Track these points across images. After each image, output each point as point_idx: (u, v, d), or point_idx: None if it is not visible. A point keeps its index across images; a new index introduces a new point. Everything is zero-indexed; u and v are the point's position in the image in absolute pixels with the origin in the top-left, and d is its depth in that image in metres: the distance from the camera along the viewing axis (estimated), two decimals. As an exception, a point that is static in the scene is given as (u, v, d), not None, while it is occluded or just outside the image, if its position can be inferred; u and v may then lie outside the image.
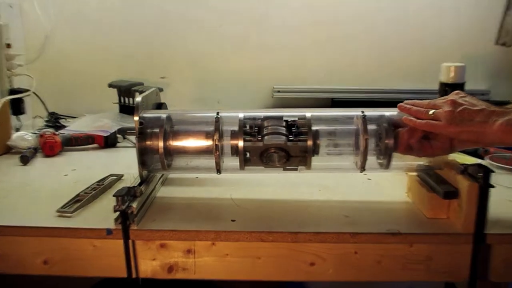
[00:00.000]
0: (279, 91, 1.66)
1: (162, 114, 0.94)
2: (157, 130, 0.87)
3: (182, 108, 1.01)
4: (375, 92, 1.65)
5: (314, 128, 0.84)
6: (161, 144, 0.86)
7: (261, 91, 1.70)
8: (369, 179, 1.02)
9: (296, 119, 0.86)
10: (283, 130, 0.84)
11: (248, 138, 0.83)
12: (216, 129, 0.84)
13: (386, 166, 0.84)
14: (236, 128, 0.85)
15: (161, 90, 1.44)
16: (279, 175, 1.00)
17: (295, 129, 0.84)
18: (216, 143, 0.84)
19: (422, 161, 0.88)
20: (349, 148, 0.84)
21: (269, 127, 0.84)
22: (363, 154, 0.82)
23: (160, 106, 0.99)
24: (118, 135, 1.35)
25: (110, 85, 1.61)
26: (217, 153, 0.84)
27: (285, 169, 0.85)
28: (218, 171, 0.86)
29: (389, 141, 0.82)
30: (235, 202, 0.90)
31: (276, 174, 0.99)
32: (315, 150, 0.83)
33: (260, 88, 1.69)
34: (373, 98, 1.64)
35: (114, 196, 0.78)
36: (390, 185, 0.98)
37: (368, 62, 1.66)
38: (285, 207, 0.88)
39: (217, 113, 0.86)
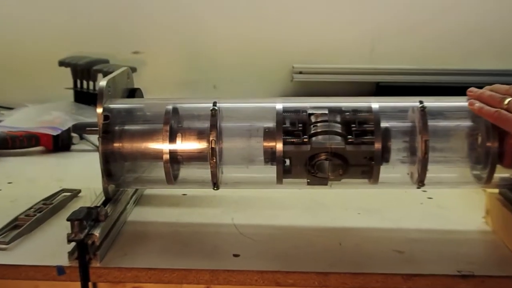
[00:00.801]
0: (301, 72, 1.67)
1: (136, 104, 0.94)
2: (129, 127, 0.87)
3: (163, 97, 1.01)
4: (438, 73, 1.65)
5: (383, 124, 0.84)
6: (134, 146, 0.86)
7: (275, 72, 1.70)
8: (430, 198, 1.02)
9: (356, 111, 0.86)
10: (339, 127, 0.85)
11: (289, 138, 0.84)
12: (212, 125, 0.85)
13: (487, 180, 0.84)
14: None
15: (134, 70, 1.46)
16: (300, 192, 1.00)
17: (356, 126, 0.84)
18: (213, 145, 0.84)
19: (507, 173, 0.87)
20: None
21: (319, 124, 0.85)
22: (421, 162, 0.82)
23: (133, 93, 1.00)
24: (73, 134, 1.36)
25: (62, 63, 1.63)
26: (214, 160, 0.84)
27: (312, 183, 0.86)
28: (215, 185, 0.86)
29: (492, 145, 0.82)
30: (239, 229, 0.90)
31: (296, 191, 1.00)
32: (385, 157, 0.84)
33: (274, 68, 1.70)
34: (435, 82, 1.64)
35: (68, 220, 0.78)
36: (459, 207, 0.98)
37: (430, 33, 1.66)
38: (310, 237, 0.88)
39: (214, 104, 0.87)
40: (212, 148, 0.84)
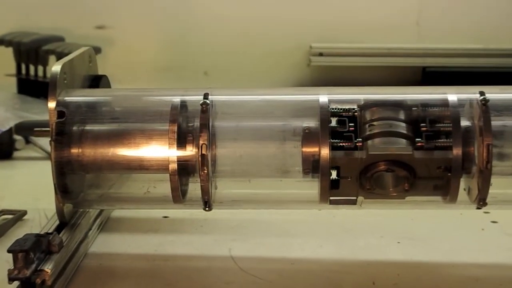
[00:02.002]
0: (321, 54, 1.67)
1: (101, 97, 0.94)
2: (91, 127, 0.88)
3: (138, 87, 1.01)
4: (504, 54, 1.65)
5: (464, 123, 0.84)
6: (98, 153, 0.86)
7: (286, 55, 1.70)
8: (494, 222, 1.02)
9: (425, 106, 0.86)
10: (403, 127, 0.85)
11: (338, 142, 0.84)
12: (202, 125, 0.85)
13: None
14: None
15: (98, 51, 1.46)
16: (319, 214, 1.00)
17: (426, 125, 0.84)
18: (203, 151, 0.84)
19: None
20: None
21: (376, 123, 0.85)
22: (483, 174, 0.82)
23: (97, 81, 1.00)
24: (16, 137, 1.36)
25: (1, 42, 1.63)
26: (205, 171, 0.84)
27: (334, 203, 0.86)
28: (207, 204, 0.87)
29: None
30: (238, 264, 0.91)
31: (313, 212, 1.00)
32: (466, 167, 0.83)
33: (286, 49, 1.70)
34: (501, 67, 1.64)
35: (9, 252, 0.78)
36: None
37: (491, 4, 1.66)
38: (333, 275, 0.88)
39: (205, 96, 0.87)
40: (203, 156, 0.84)
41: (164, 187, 0.87)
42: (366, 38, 1.68)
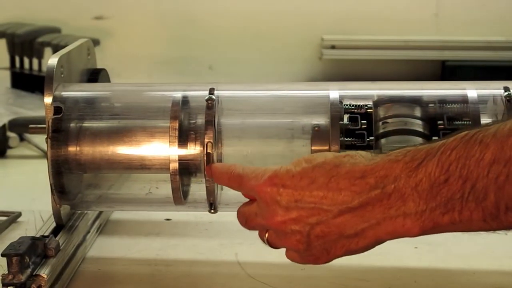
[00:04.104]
0: (333, 47, 1.67)
1: (100, 92, 0.94)
2: (89, 124, 0.88)
3: (138, 81, 1.01)
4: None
5: (485, 121, 0.83)
6: (97, 151, 0.87)
7: (297, 47, 1.70)
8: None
9: (443, 102, 0.85)
10: (419, 124, 0.85)
11: (349, 141, 0.84)
12: (207, 123, 0.85)
13: None
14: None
15: (96, 43, 1.46)
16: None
17: (444, 123, 0.84)
18: (209, 150, 0.84)
19: None
20: None
21: (390, 120, 0.85)
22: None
23: (95, 75, 1.00)
24: (10, 134, 1.37)
25: (-6, 34, 1.63)
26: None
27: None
28: (212, 206, 0.87)
29: None
30: (245, 270, 0.91)
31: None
32: None
33: (296, 41, 1.70)
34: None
35: (3, 255, 0.78)
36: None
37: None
38: (348, 281, 0.88)
39: (210, 91, 0.87)
40: (208, 154, 0.84)
41: (166, 188, 0.87)
42: (382, 29, 1.68)
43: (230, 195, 0.88)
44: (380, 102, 0.87)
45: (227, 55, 1.72)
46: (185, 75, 1.69)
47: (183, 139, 0.86)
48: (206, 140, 0.84)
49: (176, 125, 0.86)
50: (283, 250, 0.94)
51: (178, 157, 0.85)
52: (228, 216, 0.96)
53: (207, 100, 0.86)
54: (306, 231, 0.70)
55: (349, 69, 1.68)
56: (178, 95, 0.88)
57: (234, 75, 1.70)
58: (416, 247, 0.96)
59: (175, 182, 0.85)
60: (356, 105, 0.86)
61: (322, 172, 0.69)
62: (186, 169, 0.86)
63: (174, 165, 0.85)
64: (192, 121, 0.87)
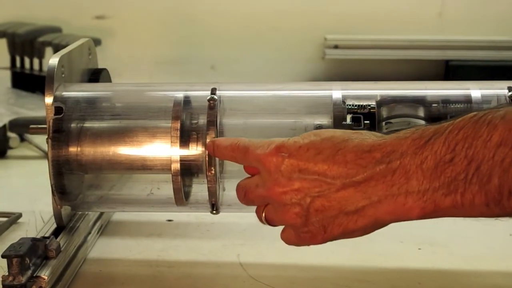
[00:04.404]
0: (336, 47, 1.67)
1: (102, 92, 0.94)
2: (91, 124, 0.88)
3: (140, 81, 1.01)
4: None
5: None
6: (99, 151, 0.87)
7: (299, 47, 1.70)
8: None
9: (447, 102, 0.86)
10: (423, 125, 0.82)
11: None
12: (209, 123, 0.85)
13: None
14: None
15: (98, 43, 1.46)
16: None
17: None
18: (211, 151, 0.84)
19: None
20: None
21: (393, 120, 0.85)
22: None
23: (97, 75, 1.00)
24: (11, 134, 1.37)
25: (-5, 33, 1.64)
26: (212, 171, 0.85)
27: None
28: (214, 207, 0.87)
29: None
30: (247, 271, 0.91)
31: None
32: None
33: (298, 41, 1.70)
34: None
35: (3, 257, 0.78)
36: None
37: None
38: (350, 282, 0.88)
39: (212, 91, 0.88)
40: (210, 155, 0.84)
41: (168, 189, 0.87)
42: (385, 29, 1.68)
43: (232, 196, 0.87)
44: (383, 102, 0.87)
45: (229, 55, 1.72)
46: (186, 75, 1.69)
47: (184, 139, 0.86)
48: (208, 141, 0.84)
49: (178, 125, 0.86)
50: (284, 251, 0.95)
51: (180, 157, 0.85)
52: (230, 217, 0.97)
53: (209, 100, 0.86)
54: (306, 203, 0.69)
55: (352, 69, 1.68)
56: (180, 95, 0.88)
57: (236, 75, 1.70)
58: (419, 248, 0.96)
59: (176, 182, 0.85)
60: (359, 105, 0.86)
61: (330, 144, 0.69)
62: (188, 169, 0.86)
63: (176, 166, 0.85)
64: (194, 121, 0.87)
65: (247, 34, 1.71)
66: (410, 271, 0.91)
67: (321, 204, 0.69)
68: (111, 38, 1.69)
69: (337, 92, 0.87)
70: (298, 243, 0.74)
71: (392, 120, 0.85)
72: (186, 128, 0.87)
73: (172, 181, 0.85)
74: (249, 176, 0.77)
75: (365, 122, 0.85)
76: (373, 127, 0.85)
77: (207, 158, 0.85)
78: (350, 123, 0.85)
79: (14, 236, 0.97)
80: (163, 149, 0.87)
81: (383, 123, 0.85)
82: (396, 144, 0.66)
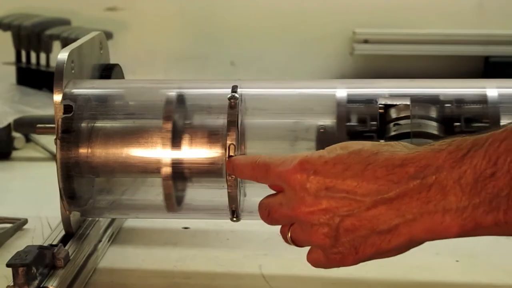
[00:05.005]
0: (366, 41, 1.67)
1: (114, 89, 0.95)
2: (102, 124, 0.88)
3: (155, 78, 1.01)
4: None
5: (505, 122, 0.83)
6: (111, 153, 0.87)
7: (325, 41, 1.70)
8: None
9: (460, 102, 0.85)
10: (434, 127, 0.85)
11: None
12: (229, 123, 0.85)
13: None
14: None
15: (109, 36, 1.46)
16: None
17: (461, 125, 0.84)
18: (231, 153, 0.84)
19: None
20: None
21: (402, 122, 0.85)
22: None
23: (108, 71, 1.01)
24: (16, 134, 1.37)
25: (-1, 26, 1.64)
26: (233, 176, 0.84)
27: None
28: (234, 214, 0.87)
29: None
30: (270, 284, 0.91)
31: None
32: None
33: (325, 35, 1.70)
34: None
35: (8, 266, 0.78)
36: None
37: None
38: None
39: (233, 89, 0.87)
40: (230, 157, 0.84)
41: (186, 194, 0.88)
42: (419, 22, 1.67)
43: (254, 202, 0.87)
44: (391, 101, 0.86)
45: (250, 50, 1.72)
46: (204, 71, 1.69)
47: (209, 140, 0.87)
48: (228, 142, 0.84)
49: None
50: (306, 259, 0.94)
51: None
52: (251, 225, 0.96)
53: (229, 99, 0.86)
54: (335, 223, 0.69)
55: (383, 65, 1.67)
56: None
57: (258, 71, 1.70)
58: (457, 260, 0.96)
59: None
60: (364, 104, 0.86)
61: (358, 159, 0.69)
62: (214, 172, 0.86)
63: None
64: (219, 122, 0.87)
65: (270, 27, 1.71)
66: (447, 285, 0.91)
67: (351, 223, 0.68)
68: (124, 31, 1.69)
69: (341, 90, 0.87)
70: (327, 265, 0.73)
71: (401, 122, 0.85)
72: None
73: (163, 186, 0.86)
74: (273, 193, 0.76)
75: (372, 123, 0.84)
76: (380, 128, 0.85)
77: (228, 162, 0.84)
78: (354, 124, 0.85)
79: (19, 243, 0.97)
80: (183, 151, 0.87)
81: (391, 124, 0.85)
82: (431, 157, 0.65)
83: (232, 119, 0.85)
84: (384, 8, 1.68)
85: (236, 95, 0.86)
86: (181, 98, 0.90)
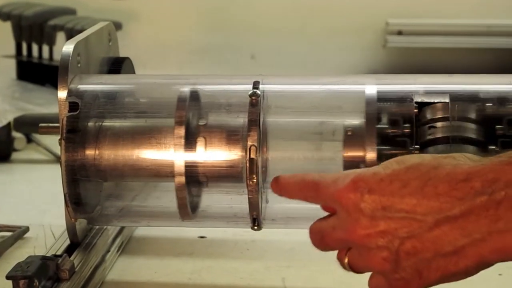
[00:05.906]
0: (400, 33, 1.67)
1: (124, 85, 0.95)
2: (111, 123, 0.89)
3: (168, 73, 1.02)
4: None
5: None
6: (120, 155, 0.87)
7: (355, 33, 1.70)
8: None
9: (504, 101, 0.85)
10: (472, 130, 0.85)
11: (388, 150, 0.84)
12: (251, 122, 0.86)
13: None
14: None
15: (118, 27, 1.47)
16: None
17: (504, 128, 0.84)
18: (252, 155, 0.85)
19: None
20: None
21: (438, 124, 0.85)
22: None
23: (118, 65, 1.01)
24: (16, 134, 1.38)
25: (-2, 15, 1.65)
26: (254, 180, 0.85)
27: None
28: (255, 222, 0.87)
29: None
30: (294, 299, 0.91)
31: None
32: None
33: (354, 26, 1.70)
34: None
35: (8, 278, 0.79)
36: None
37: None
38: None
39: (255, 85, 0.88)
40: (251, 160, 0.85)
41: (202, 200, 0.88)
42: (458, 12, 1.67)
43: (276, 209, 0.88)
44: (426, 99, 0.86)
45: (272, 43, 1.72)
46: (222, 65, 1.70)
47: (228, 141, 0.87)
48: (249, 143, 0.85)
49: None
50: (336, 274, 0.95)
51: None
52: (274, 234, 0.97)
53: (250, 96, 0.86)
54: (395, 246, 0.68)
55: (418, 59, 1.67)
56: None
57: (280, 66, 1.70)
58: (500, 274, 0.95)
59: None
60: (396, 103, 0.86)
61: (417, 174, 0.68)
62: (233, 176, 0.87)
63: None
64: (239, 122, 0.87)
65: (293, 18, 1.72)
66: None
67: (412, 246, 0.68)
68: (134, 21, 1.70)
69: (370, 87, 0.87)
70: None
71: (437, 124, 0.84)
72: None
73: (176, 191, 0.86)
74: (323, 216, 0.76)
75: (404, 125, 0.84)
76: (414, 131, 0.84)
77: (247, 164, 0.85)
78: (385, 126, 0.85)
79: (20, 253, 0.98)
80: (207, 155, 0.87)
81: (426, 127, 0.85)
82: (499, 170, 0.65)
83: (253, 118, 0.85)
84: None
85: (258, 91, 0.87)
86: (196, 95, 0.90)
